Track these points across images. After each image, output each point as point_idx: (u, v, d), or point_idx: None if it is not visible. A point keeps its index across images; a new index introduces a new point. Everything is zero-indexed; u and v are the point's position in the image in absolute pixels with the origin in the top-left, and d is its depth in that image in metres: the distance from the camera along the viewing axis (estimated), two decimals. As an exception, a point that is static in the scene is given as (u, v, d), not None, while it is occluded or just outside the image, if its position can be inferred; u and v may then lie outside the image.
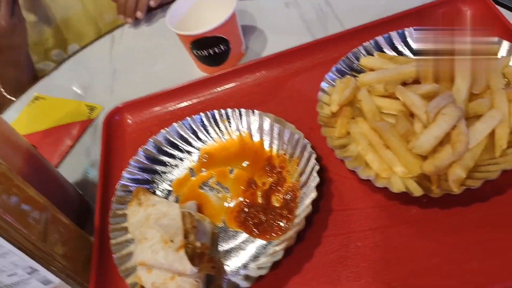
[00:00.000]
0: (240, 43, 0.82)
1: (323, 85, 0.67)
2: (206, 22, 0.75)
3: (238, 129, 0.69)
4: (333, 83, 0.68)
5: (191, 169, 0.68)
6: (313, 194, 0.55)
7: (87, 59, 1.01)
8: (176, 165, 0.68)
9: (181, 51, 0.85)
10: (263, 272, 0.51)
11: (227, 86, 0.78)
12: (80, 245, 0.60)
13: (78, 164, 0.79)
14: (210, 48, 0.78)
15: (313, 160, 0.58)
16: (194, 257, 0.52)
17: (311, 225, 0.57)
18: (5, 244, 0.46)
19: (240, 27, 0.81)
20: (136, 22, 1.04)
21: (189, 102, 0.78)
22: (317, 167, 0.57)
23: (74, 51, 1.05)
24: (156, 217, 0.57)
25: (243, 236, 0.59)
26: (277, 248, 0.54)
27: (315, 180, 0.56)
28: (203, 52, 0.79)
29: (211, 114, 0.69)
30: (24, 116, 0.93)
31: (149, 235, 0.55)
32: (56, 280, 0.53)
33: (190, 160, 0.69)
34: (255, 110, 0.67)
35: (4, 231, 0.46)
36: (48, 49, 1.10)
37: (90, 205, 0.71)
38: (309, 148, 0.60)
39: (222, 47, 0.78)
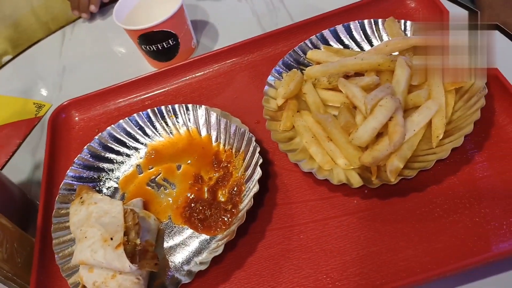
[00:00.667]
0: (190, 37, 0.81)
1: (270, 79, 0.67)
2: (155, 17, 0.74)
3: (185, 124, 0.68)
4: (279, 77, 0.68)
5: (138, 165, 0.67)
6: (255, 188, 0.55)
7: (36, 56, 0.98)
8: (122, 162, 0.67)
9: (132, 47, 0.83)
10: (203, 267, 0.51)
11: (176, 81, 0.77)
12: (20, 246, 0.58)
13: (24, 164, 0.76)
14: (159, 42, 0.77)
15: (257, 154, 0.58)
16: (134, 254, 0.52)
17: (255, 219, 0.57)
18: None
19: (190, 22, 0.81)
20: (88, 17, 1.02)
21: (138, 98, 0.77)
22: (260, 161, 0.57)
23: (23, 49, 1.02)
24: (98, 215, 0.56)
25: (188, 231, 0.58)
26: (219, 243, 0.54)
27: (257, 174, 0.56)
28: (151, 47, 0.78)
29: (158, 109, 0.69)
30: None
31: (89, 234, 0.54)
32: (-6, 282, 0.52)
33: (137, 157, 0.68)
34: (202, 105, 0.67)
35: None
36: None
37: (35, 206, 0.69)
38: (253, 142, 0.60)
39: (170, 41, 0.77)
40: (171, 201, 0.62)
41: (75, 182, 0.64)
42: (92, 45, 0.96)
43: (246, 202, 0.55)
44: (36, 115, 0.84)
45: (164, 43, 0.77)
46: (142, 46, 0.78)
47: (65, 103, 0.77)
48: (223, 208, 0.58)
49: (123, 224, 0.53)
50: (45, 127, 0.78)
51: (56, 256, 0.58)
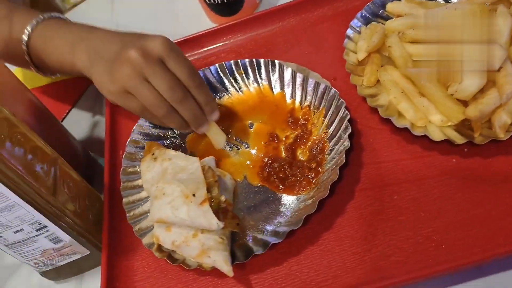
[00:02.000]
0: None
1: (349, 32, 0.63)
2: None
3: (256, 81, 0.64)
4: (358, 30, 0.63)
5: (206, 124, 0.63)
6: (346, 143, 0.51)
7: (87, 11, 0.94)
8: (189, 120, 0.64)
9: (192, 1, 0.79)
10: (294, 227, 0.47)
11: (241, 37, 0.72)
12: (90, 202, 0.55)
13: (82, 120, 0.74)
14: None
15: (343, 109, 0.54)
16: (218, 213, 0.48)
17: (341, 178, 0.52)
18: (11, 196, 0.41)
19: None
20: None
21: (200, 56, 0.73)
22: (348, 116, 0.53)
23: (73, 3, 0.98)
24: (174, 171, 0.52)
25: (267, 191, 0.54)
26: (308, 202, 0.50)
27: (347, 129, 0.52)
28: (214, 0, 0.73)
29: (226, 64, 0.64)
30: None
31: (168, 191, 0.50)
32: (66, 238, 0.49)
33: (205, 115, 0.64)
34: (275, 60, 0.62)
35: (10, 181, 0.41)
36: None
37: (97, 163, 0.67)
38: (338, 98, 0.55)
39: None
40: (245, 161, 0.58)
41: (141, 139, 0.61)
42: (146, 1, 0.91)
43: (335, 159, 0.51)
44: None
45: None
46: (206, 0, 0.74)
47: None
48: (306, 167, 0.54)
49: (204, 180, 0.50)
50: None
51: (127, 215, 0.55)
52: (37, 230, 0.46)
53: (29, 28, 0.59)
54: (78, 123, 0.74)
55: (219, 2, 0.73)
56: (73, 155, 0.63)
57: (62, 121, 0.76)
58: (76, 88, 0.79)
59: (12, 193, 0.42)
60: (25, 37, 0.59)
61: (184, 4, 0.84)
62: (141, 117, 0.60)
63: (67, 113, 0.77)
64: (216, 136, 0.58)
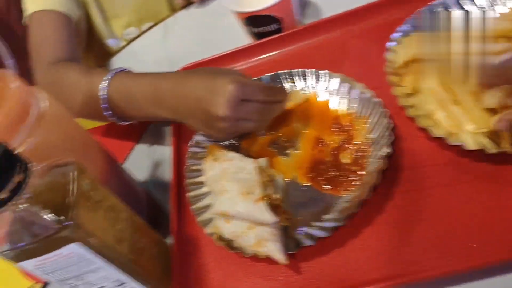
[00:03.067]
0: (293, 21, 0.83)
1: (390, 44, 0.68)
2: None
3: (303, 89, 0.70)
4: (399, 41, 0.68)
5: (259, 128, 0.70)
6: (387, 149, 0.57)
7: (139, 49, 1.03)
8: (244, 124, 0.71)
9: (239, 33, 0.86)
10: (339, 223, 0.54)
11: (285, 49, 0.79)
12: (159, 250, 0.59)
13: (143, 160, 0.79)
14: (262, 26, 0.81)
15: (385, 118, 0.60)
16: (271, 209, 0.55)
17: (382, 181, 0.58)
18: (98, 261, 0.45)
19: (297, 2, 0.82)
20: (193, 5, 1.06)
21: (247, 66, 0.80)
22: (390, 124, 0.59)
23: (128, 40, 1.07)
24: (233, 171, 0.60)
25: (314, 190, 0.61)
26: (352, 202, 0.56)
27: (389, 136, 0.58)
28: (255, 29, 0.82)
29: (276, 74, 0.71)
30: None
31: (228, 188, 0.58)
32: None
33: (258, 120, 0.71)
34: (323, 70, 0.69)
35: (97, 247, 0.44)
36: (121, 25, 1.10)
37: (160, 206, 0.71)
38: (381, 106, 0.61)
39: (273, 26, 0.81)
40: (294, 162, 0.65)
41: (202, 141, 0.69)
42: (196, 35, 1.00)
43: (376, 163, 0.57)
44: None
45: (267, 27, 0.81)
46: (247, 28, 0.82)
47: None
48: (349, 170, 0.60)
49: (259, 180, 0.57)
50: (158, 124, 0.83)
51: (191, 207, 0.63)
52: (117, 286, 0.50)
53: (106, 82, 0.67)
54: (139, 164, 0.78)
55: (261, 31, 0.81)
56: (137, 201, 0.65)
57: (123, 163, 0.79)
58: (137, 127, 0.80)
59: (99, 258, 0.45)
60: (103, 91, 0.67)
61: (227, 28, 0.92)
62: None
63: (128, 154, 0.80)
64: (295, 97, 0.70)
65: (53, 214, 0.42)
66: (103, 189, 0.49)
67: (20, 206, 0.40)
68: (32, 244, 0.41)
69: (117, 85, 0.67)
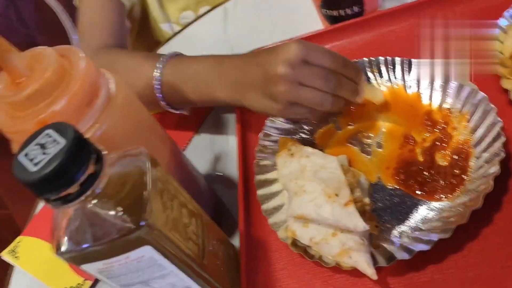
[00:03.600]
0: (376, 4, 0.74)
1: (494, 31, 0.59)
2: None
3: (389, 80, 0.62)
4: (505, 29, 0.59)
5: (335, 121, 0.63)
6: (500, 152, 0.48)
7: (199, 33, 0.96)
8: (319, 116, 0.64)
9: (309, 14, 0.78)
10: (445, 235, 0.46)
11: (365, 35, 0.71)
12: (227, 252, 0.53)
13: (204, 150, 0.73)
14: (341, 8, 0.72)
15: (493, 115, 0.51)
16: (361, 214, 0.48)
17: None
18: (169, 266, 0.40)
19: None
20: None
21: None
22: (500, 123, 0.50)
23: (185, 24, 1.01)
24: (314, 169, 0.53)
25: (403, 195, 0.54)
26: (453, 211, 0.49)
27: (499, 137, 0.49)
28: (333, 12, 0.73)
29: (359, 62, 0.64)
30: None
31: (308, 188, 0.51)
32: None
33: (335, 112, 0.64)
34: (412, 59, 0.61)
35: (170, 250, 0.39)
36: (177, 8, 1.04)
37: (222, 201, 0.65)
38: (487, 102, 0.52)
39: (355, 8, 0.72)
40: (377, 161, 0.58)
41: (273, 133, 0.63)
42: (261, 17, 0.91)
43: (487, 168, 0.49)
44: None
45: (348, 10, 0.72)
46: (323, 10, 0.73)
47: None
48: (449, 173, 0.52)
49: (346, 180, 0.50)
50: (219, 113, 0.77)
51: (261, 207, 0.56)
52: None
53: (159, 66, 0.63)
54: (199, 156, 0.71)
55: (336, 14, 0.72)
56: (202, 198, 0.59)
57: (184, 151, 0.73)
58: (195, 116, 0.75)
59: (170, 263, 0.40)
60: (157, 76, 0.63)
61: (297, 12, 0.84)
62: (313, 120, 0.61)
63: (189, 143, 0.74)
64: (373, 94, 0.60)
65: (126, 212, 0.36)
66: (175, 184, 0.43)
67: (91, 202, 0.34)
68: (99, 245, 0.36)
69: (170, 70, 0.63)
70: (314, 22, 0.79)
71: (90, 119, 0.41)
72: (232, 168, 0.68)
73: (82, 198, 0.33)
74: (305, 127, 0.63)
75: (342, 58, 0.57)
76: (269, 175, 0.59)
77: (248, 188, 0.60)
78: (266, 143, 0.62)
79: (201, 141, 0.75)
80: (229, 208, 0.64)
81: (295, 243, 0.52)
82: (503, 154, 0.48)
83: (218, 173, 0.69)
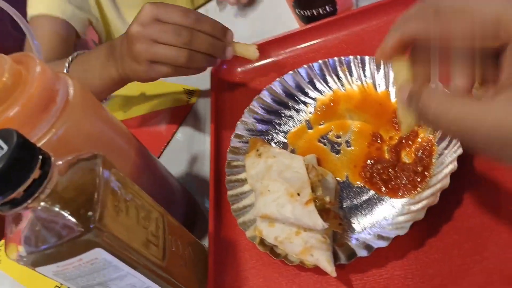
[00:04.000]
0: (350, 3, 0.75)
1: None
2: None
3: (359, 79, 0.63)
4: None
5: (307, 121, 0.64)
6: (459, 150, 0.48)
7: None
8: (291, 116, 0.65)
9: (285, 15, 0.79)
10: (401, 232, 0.46)
11: (338, 34, 0.71)
12: (196, 255, 0.53)
13: (180, 155, 0.74)
14: (314, 8, 0.73)
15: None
16: (321, 213, 0.49)
17: (450, 185, 0.50)
18: (124, 267, 0.40)
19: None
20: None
21: (295, 53, 0.73)
22: (461, 120, 0.50)
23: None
24: (279, 169, 0.54)
25: (370, 193, 0.54)
26: (414, 207, 0.49)
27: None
28: (305, 12, 0.73)
29: (330, 62, 0.64)
30: (116, 100, 0.87)
31: (272, 188, 0.52)
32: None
33: (307, 112, 0.64)
34: (380, 57, 0.61)
35: (124, 253, 0.40)
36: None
37: (197, 204, 0.66)
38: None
39: (328, 8, 0.72)
40: (346, 160, 0.58)
41: (245, 134, 0.63)
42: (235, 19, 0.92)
43: (446, 164, 0.49)
44: (188, 102, 0.80)
45: (320, 9, 0.73)
46: (296, 10, 0.74)
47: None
48: (412, 170, 0.52)
49: (309, 180, 0.51)
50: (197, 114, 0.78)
51: (231, 207, 0.57)
52: None
53: (66, 65, 0.70)
54: (176, 158, 0.73)
55: (309, 15, 0.73)
56: (173, 200, 0.60)
57: (159, 157, 0.74)
58: (174, 118, 0.78)
59: (125, 265, 0.40)
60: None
61: (274, 12, 0.85)
62: (179, 76, 0.63)
63: (165, 148, 0.75)
64: (247, 51, 0.61)
65: (76, 215, 0.37)
66: (133, 187, 0.44)
67: (40, 204, 0.35)
68: (51, 247, 0.36)
69: (74, 65, 0.70)
70: (291, 22, 0.80)
71: (47, 124, 0.41)
72: (208, 169, 0.68)
73: (29, 201, 0.34)
74: (278, 128, 0.64)
75: (196, 13, 0.58)
76: (240, 176, 0.60)
77: (220, 189, 0.61)
78: (238, 144, 0.63)
79: (179, 142, 0.76)
80: (203, 210, 0.65)
81: (262, 242, 0.53)
82: (460, 151, 0.48)
83: (194, 174, 0.70)
